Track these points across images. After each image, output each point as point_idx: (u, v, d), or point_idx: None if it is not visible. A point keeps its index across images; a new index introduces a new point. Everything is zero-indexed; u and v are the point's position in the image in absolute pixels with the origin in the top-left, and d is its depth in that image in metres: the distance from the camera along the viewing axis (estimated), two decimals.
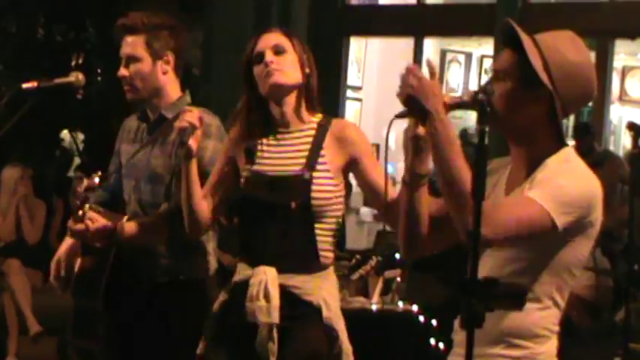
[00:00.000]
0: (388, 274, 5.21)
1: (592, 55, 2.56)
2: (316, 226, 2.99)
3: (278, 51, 3.04)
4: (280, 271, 2.99)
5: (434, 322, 4.86)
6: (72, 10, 10.91)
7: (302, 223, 2.97)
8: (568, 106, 2.39)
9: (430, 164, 2.40)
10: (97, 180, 3.35)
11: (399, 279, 5.16)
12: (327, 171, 3.01)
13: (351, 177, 3.17)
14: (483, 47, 10.74)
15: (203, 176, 3.15)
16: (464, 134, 9.46)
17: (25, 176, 7.79)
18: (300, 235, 2.98)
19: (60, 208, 8.07)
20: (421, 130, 2.36)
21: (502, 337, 2.36)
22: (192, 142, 3.01)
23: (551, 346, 2.40)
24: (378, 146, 8.30)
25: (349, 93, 10.54)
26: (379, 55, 11.01)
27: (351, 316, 3.06)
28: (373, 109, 10.71)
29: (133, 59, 3.43)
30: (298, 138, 3.06)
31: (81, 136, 11.85)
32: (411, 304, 4.97)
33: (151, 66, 3.43)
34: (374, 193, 3.00)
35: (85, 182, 3.33)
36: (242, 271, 3.09)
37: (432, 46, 10.71)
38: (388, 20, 9.97)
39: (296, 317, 2.98)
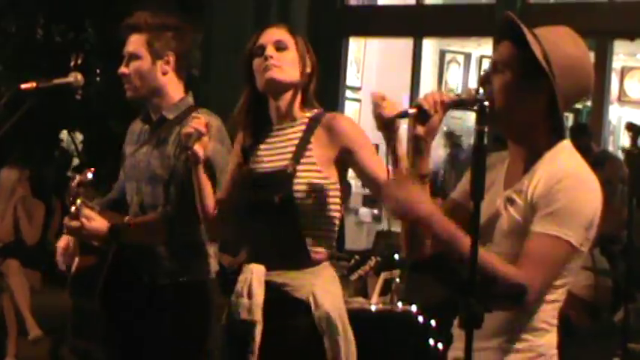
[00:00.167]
0: (387, 274, 5.21)
1: (591, 56, 2.55)
2: (304, 220, 2.93)
3: (280, 47, 3.01)
4: (270, 268, 2.96)
5: (433, 322, 4.86)
6: (71, 11, 10.93)
7: (287, 217, 2.93)
8: (567, 99, 2.39)
9: (430, 164, 2.40)
10: (89, 175, 3.35)
11: (398, 279, 5.16)
12: (313, 164, 2.96)
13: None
14: (482, 48, 10.73)
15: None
16: (450, 136, 9.56)
17: (22, 177, 7.78)
18: (286, 230, 2.94)
19: (58, 208, 8.07)
20: (421, 130, 2.36)
21: (502, 331, 2.37)
22: (199, 148, 3.00)
23: (551, 338, 2.40)
24: (377, 146, 8.28)
25: (348, 93, 10.53)
26: (378, 55, 11.00)
27: (351, 317, 3.04)
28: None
29: (133, 57, 3.44)
30: (288, 134, 3.03)
31: (80, 137, 11.87)
32: (410, 305, 4.97)
33: (150, 65, 3.43)
34: (374, 184, 2.94)
35: (78, 177, 3.33)
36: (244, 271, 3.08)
37: (431, 47, 10.71)
38: (387, 21, 9.96)
39: (284, 315, 2.96)
